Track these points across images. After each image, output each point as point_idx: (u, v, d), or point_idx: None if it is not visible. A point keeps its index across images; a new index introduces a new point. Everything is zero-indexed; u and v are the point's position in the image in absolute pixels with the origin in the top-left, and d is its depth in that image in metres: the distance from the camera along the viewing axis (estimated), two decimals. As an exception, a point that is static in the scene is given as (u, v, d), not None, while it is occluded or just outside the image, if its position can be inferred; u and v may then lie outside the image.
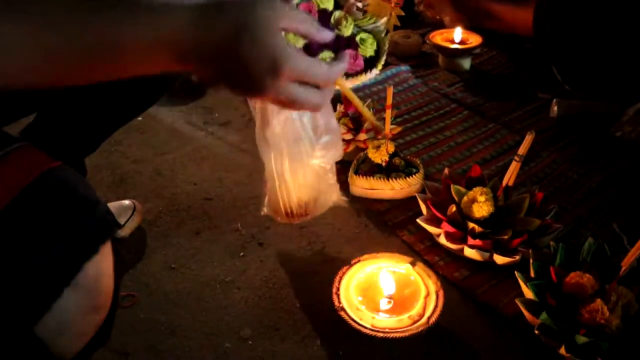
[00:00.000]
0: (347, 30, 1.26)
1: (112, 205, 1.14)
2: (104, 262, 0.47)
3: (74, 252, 0.46)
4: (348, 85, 0.67)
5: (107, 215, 0.48)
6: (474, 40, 1.74)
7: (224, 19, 0.48)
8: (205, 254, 1.10)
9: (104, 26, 0.45)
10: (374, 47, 1.43)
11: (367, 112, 0.75)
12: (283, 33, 0.51)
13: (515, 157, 1.03)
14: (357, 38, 1.36)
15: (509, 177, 1.05)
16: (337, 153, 0.93)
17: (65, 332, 0.47)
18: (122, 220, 1.12)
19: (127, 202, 1.16)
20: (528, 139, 1.00)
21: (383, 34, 1.43)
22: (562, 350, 0.82)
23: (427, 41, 1.78)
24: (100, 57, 0.46)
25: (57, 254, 0.46)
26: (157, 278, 1.04)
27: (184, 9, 0.47)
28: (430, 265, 1.03)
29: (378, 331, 0.86)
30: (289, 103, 0.53)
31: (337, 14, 1.03)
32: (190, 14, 0.47)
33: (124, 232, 1.12)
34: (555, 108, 1.49)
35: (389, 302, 0.92)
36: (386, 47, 1.43)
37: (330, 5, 0.99)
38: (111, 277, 0.47)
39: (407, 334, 0.86)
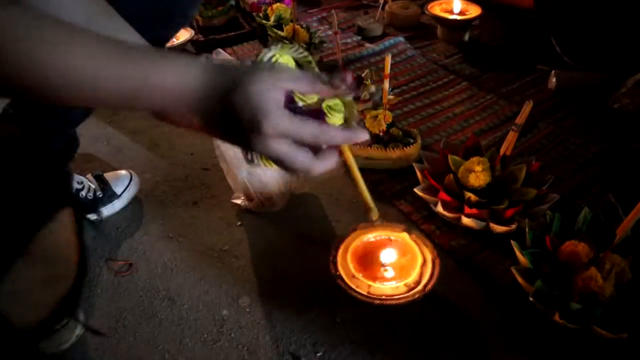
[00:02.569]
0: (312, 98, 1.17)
1: (109, 176, 1.14)
2: (62, 231, 0.46)
3: (27, 219, 0.45)
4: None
5: (66, 183, 0.48)
6: (473, 11, 1.73)
7: (227, 74, 0.52)
8: (203, 224, 1.10)
9: (137, 70, 0.50)
10: (342, 115, 1.37)
11: (365, 191, 0.75)
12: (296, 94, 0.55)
13: (513, 127, 1.02)
14: (324, 105, 1.29)
15: (506, 147, 1.05)
16: None
17: (21, 302, 0.45)
18: (118, 190, 1.12)
19: (123, 172, 1.16)
20: (526, 108, 0.99)
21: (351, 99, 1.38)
22: (557, 317, 0.83)
23: (426, 12, 1.76)
24: (124, 93, 0.51)
25: (9, 221, 0.45)
26: (154, 247, 1.05)
27: (199, 64, 0.53)
28: (427, 234, 1.04)
29: (374, 298, 0.87)
30: (277, 161, 0.54)
31: None
32: (203, 69, 0.52)
33: (121, 202, 1.12)
34: (554, 80, 1.48)
35: (385, 270, 0.93)
36: (355, 114, 1.36)
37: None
38: (73, 247, 0.45)
39: (403, 301, 0.86)
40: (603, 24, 1.45)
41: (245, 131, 0.52)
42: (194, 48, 1.76)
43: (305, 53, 0.64)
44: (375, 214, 0.74)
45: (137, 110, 0.59)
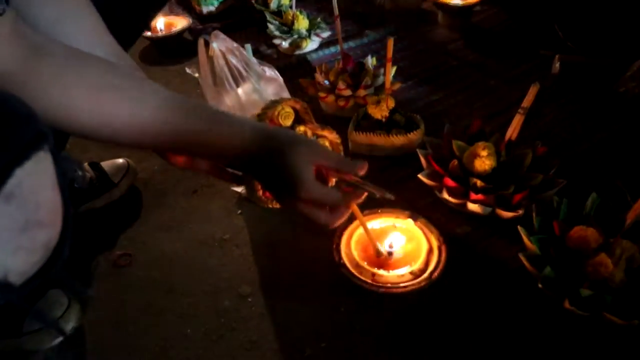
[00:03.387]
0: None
1: (106, 164, 1.12)
2: (40, 173, 0.43)
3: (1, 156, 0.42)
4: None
5: (42, 127, 0.43)
6: (475, -4, 1.70)
7: (272, 141, 0.65)
8: (202, 213, 1.08)
9: (206, 129, 0.64)
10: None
11: (371, 236, 0.88)
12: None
13: (519, 110, 1.00)
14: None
15: (512, 131, 1.03)
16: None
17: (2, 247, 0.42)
18: (115, 179, 1.10)
19: (120, 160, 1.14)
20: (532, 90, 0.97)
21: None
22: (566, 304, 0.81)
23: (427, -2, 1.73)
24: (191, 146, 0.65)
25: None
26: (153, 237, 1.03)
27: (252, 126, 0.66)
28: (432, 221, 1.01)
29: (379, 286, 0.85)
30: (303, 216, 0.69)
31: (301, 129, 1.01)
32: (253, 131, 0.66)
33: (118, 191, 1.10)
34: (557, 65, 1.45)
35: (390, 258, 0.91)
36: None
37: (289, 123, 0.99)
38: (53, 191, 0.43)
39: (408, 289, 0.84)
40: (606, 8, 1.43)
41: (280, 190, 0.68)
42: (191, 35, 1.73)
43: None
44: (381, 254, 0.89)
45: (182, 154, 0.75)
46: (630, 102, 1.33)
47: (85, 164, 1.10)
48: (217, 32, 0.99)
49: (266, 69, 1.04)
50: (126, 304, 0.90)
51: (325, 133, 1.05)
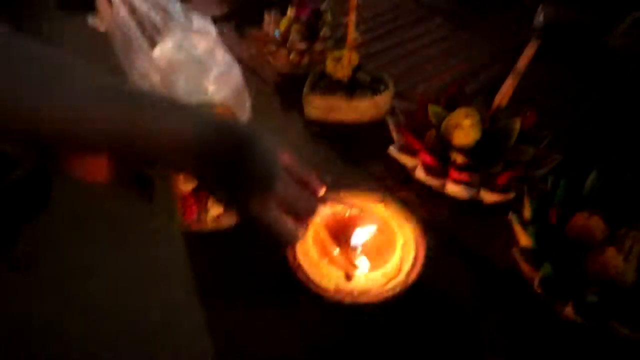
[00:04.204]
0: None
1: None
2: None
3: None
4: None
5: None
6: None
7: (235, 131, 0.53)
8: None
9: (145, 118, 0.48)
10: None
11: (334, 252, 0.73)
12: None
13: (512, 73, 0.83)
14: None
15: (502, 96, 0.86)
16: (233, 88, 0.73)
17: None
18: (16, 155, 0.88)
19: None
20: (529, 50, 0.81)
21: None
22: (569, 312, 0.67)
23: None
24: (130, 141, 0.49)
25: None
26: (63, 231, 0.82)
27: (205, 115, 0.53)
28: (404, 204, 0.84)
29: (345, 295, 0.68)
30: (266, 226, 0.54)
31: None
32: (209, 121, 0.52)
33: (21, 169, 0.88)
34: (541, 16, 1.28)
35: (357, 254, 0.74)
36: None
37: None
38: None
39: (381, 298, 0.68)
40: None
41: (247, 188, 0.53)
42: None
43: None
44: (351, 273, 0.71)
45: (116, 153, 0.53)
46: (623, 60, 1.18)
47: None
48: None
49: (195, 18, 0.81)
50: (22, 322, 0.70)
51: None
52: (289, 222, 0.56)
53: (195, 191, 0.62)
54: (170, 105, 0.51)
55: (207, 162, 0.52)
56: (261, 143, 0.53)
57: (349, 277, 0.70)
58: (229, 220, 0.68)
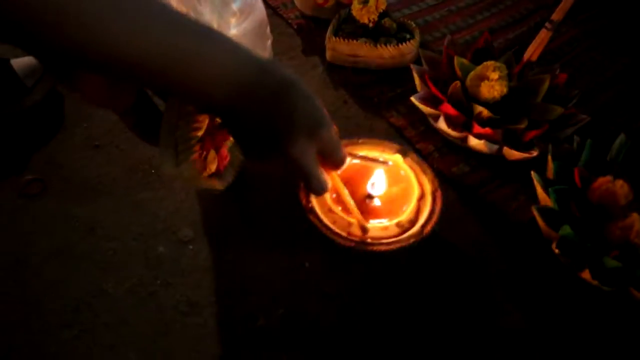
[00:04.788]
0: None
1: (17, 63, 0.87)
2: None
3: None
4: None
5: None
6: None
7: (281, 72, 0.49)
8: (140, 129, 0.86)
9: (186, 41, 0.44)
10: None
11: (355, 211, 0.68)
12: None
13: (547, 24, 0.80)
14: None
15: (534, 49, 0.82)
16: (256, 22, 0.69)
17: None
18: (29, 82, 0.86)
19: (38, 57, 0.89)
20: (567, 1, 0.76)
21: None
22: (587, 275, 0.65)
23: None
24: (168, 66, 0.44)
25: None
26: (75, 159, 0.81)
27: (251, 54, 0.49)
28: (423, 156, 0.82)
29: (357, 242, 0.67)
30: (298, 171, 0.52)
31: None
32: (256, 60, 0.48)
33: (32, 97, 0.86)
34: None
35: (372, 203, 0.72)
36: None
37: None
38: None
39: (394, 246, 0.66)
40: None
41: (290, 129, 0.49)
42: None
43: None
44: (365, 228, 0.69)
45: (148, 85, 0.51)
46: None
47: (-12, 60, 0.86)
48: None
49: None
50: (31, 247, 0.70)
51: None
52: (319, 173, 0.54)
53: (200, 140, 0.58)
54: (212, 35, 0.47)
55: (246, 99, 0.48)
56: (304, 87, 0.50)
57: (364, 230, 0.68)
58: (222, 183, 0.66)
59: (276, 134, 0.49)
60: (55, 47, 0.39)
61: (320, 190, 0.55)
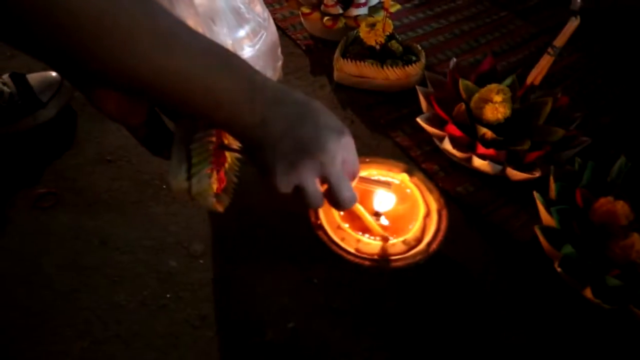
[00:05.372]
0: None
1: (33, 78, 0.90)
2: None
3: None
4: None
5: None
6: None
7: (292, 90, 0.51)
8: (151, 145, 0.87)
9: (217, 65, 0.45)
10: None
11: (371, 221, 0.72)
12: None
13: (549, 50, 0.82)
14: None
15: (537, 73, 0.84)
16: (269, 42, 0.71)
17: None
18: (44, 97, 0.88)
19: (53, 73, 0.92)
20: (570, 26, 0.78)
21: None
22: (588, 293, 0.67)
23: None
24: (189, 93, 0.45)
25: None
26: (87, 173, 0.83)
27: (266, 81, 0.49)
28: (428, 176, 0.84)
29: (365, 258, 0.68)
30: (301, 192, 0.53)
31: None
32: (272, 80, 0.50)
33: (46, 112, 0.89)
34: (579, -1, 1.26)
35: (379, 221, 0.74)
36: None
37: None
38: None
39: (400, 263, 0.68)
40: None
41: (316, 139, 0.50)
42: None
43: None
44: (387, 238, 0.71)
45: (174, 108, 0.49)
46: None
47: (6, 75, 0.88)
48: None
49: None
50: (44, 258, 0.71)
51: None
52: (319, 195, 0.54)
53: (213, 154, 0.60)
54: (234, 57, 0.48)
55: (274, 112, 0.50)
56: (323, 111, 0.52)
57: (385, 240, 0.70)
58: (222, 204, 0.67)
59: (307, 141, 0.50)
60: (89, 66, 0.40)
61: (353, 198, 0.55)
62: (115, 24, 0.38)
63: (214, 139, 0.59)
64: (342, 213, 0.73)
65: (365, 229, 0.72)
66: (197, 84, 0.44)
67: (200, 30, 0.64)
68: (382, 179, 0.78)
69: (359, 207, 0.68)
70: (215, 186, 0.63)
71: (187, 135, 0.57)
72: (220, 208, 0.67)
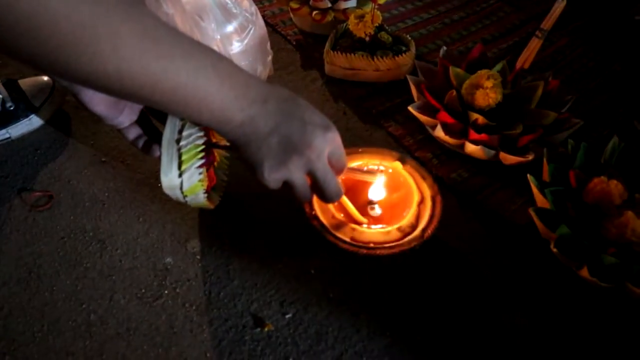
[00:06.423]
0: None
1: (25, 83, 0.90)
2: None
3: None
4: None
5: None
6: None
7: (281, 87, 0.54)
8: (145, 145, 0.88)
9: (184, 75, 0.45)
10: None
11: (356, 213, 0.73)
12: None
13: (537, 33, 0.82)
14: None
15: (526, 57, 0.85)
16: (257, 38, 0.71)
17: None
18: (37, 102, 0.89)
19: (45, 78, 0.92)
20: (557, 8, 0.79)
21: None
22: (584, 272, 0.67)
23: None
24: (168, 94, 0.45)
25: None
26: (83, 174, 0.83)
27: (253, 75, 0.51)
28: (422, 163, 0.84)
29: (360, 247, 0.68)
30: (290, 187, 0.56)
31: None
32: (260, 80, 0.52)
33: (40, 116, 0.89)
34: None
35: (373, 209, 0.74)
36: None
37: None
38: None
39: (396, 250, 0.68)
40: None
41: (305, 131, 0.52)
42: None
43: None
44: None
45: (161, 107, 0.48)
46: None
47: (-2, 81, 0.89)
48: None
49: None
50: (41, 258, 0.72)
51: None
52: (307, 188, 0.57)
53: (203, 150, 0.60)
54: (223, 59, 0.49)
55: (263, 110, 0.51)
56: (302, 100, 0.54)
57: (360, 223, 0.71)
58: (212, 202, 0.68)
59: (294, 137, 0.52)
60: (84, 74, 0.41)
61: (339, 192, 0.59)
62: (95, 35, 0.38)
63: (202, 136, 0.59)
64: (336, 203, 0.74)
65: (351, 218, 0.73)
66: (181, 86, 0.45)
67: (187, 26, 0.65)
68: (370, 167, 0.79)
69: (343, 197, 0.68)
70: (206, 184, 0.63)
71: (176, 133, 0.58)
72: (211, 205, 0.68)
